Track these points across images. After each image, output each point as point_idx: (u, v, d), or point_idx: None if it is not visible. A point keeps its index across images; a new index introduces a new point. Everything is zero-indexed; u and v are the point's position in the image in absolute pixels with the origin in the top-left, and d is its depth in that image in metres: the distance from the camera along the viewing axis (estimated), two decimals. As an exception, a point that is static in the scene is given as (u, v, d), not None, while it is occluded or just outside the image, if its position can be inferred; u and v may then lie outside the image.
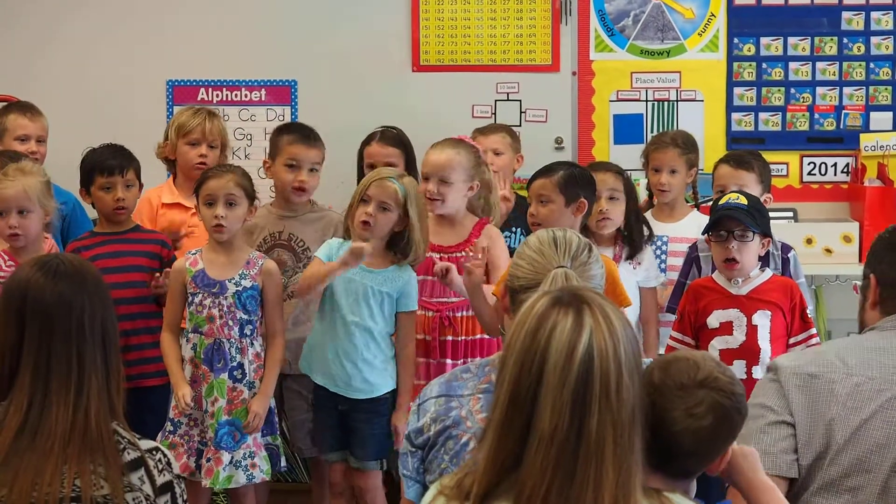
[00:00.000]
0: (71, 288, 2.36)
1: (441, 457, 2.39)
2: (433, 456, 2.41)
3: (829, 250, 4.98)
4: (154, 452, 2.35)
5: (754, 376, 3.58)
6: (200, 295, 3.85)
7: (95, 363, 2.35)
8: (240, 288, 3.86)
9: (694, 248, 4.20)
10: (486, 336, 3.96)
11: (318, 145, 4.30)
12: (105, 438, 2.29)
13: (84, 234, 4.21)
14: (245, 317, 3.86)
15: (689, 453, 1.86)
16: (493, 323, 3.59)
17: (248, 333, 3.87)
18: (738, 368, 3.63)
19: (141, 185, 4.20)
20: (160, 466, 2.33)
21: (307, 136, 4.30)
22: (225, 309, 3.84)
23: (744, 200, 3.74)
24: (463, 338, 4.01)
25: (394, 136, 4.53)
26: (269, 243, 4.24)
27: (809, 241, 4.96)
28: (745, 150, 4.65)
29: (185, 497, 2.37)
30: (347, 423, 3.92)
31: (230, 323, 3.84)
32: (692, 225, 4.41)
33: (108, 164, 4.10)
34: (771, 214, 4.53)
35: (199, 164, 4.39)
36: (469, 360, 3.92)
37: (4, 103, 4.81)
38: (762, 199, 4.19)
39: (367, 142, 4.55)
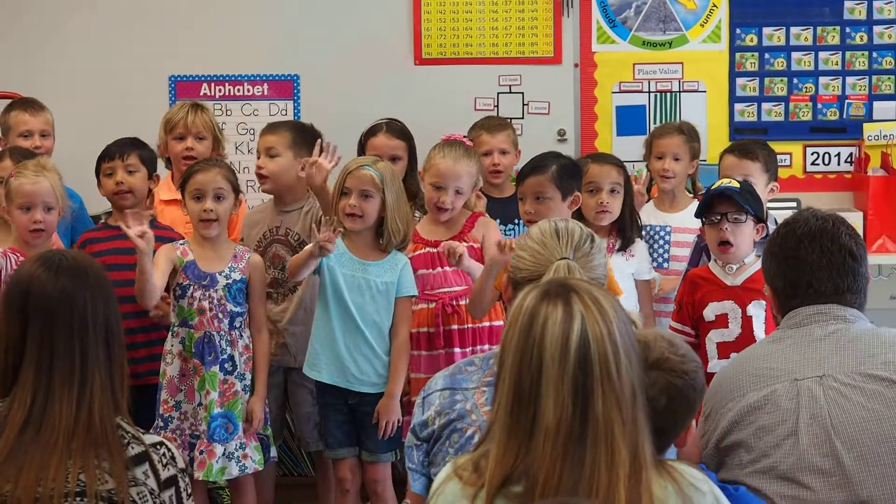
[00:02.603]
0: (73, 283, 2.37)
1: (446, 450, 2.39)
2: (438, 449, 2.41)
3: (833, 240, 4.97)
4: (158, 447, 2.35)
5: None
6: (192, 287, 3.85)
7: (98, 358, 2.35)
8: (230, 281, 3.86)
9: (701, 237, 4.19)
10: (493, 324, 3.93)
11: (278, 131, 4.25)
12: (109, 433, 2.30)
13: (99, 224, 4.19)
14: (235, 309, 3.86)
15: (652, 432, 1.87)
16: (483, 305, 3.61)
17: (238, 326, 3.87)
18: None
19: (153, 175, 4.17)
20: (164, 461, 2.34)
21: (268, 126, 4.33)
22: (215, 301, 3.84)
23: (736, 184, 3.74)
24: (469, 325, 3.98)
25: (399, 129, 4.50)
26: (268, 239, 4.23)
27: (813, 232, 4.94)
28: (749, 139, 4.62)
29: (189, 491, 2.38)
30: (357, 416, 3.89)
31: (220, 316, 3.84)
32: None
33: (109, 149, 4.12)
34: (774, 205, 4.55)
35: (186, 157, 4.39)
36: (478, 347, 3.91)
37: (8, 100, 4.81)
38: (769, 188, 4.19)
39: (371, 133, 4.50)
